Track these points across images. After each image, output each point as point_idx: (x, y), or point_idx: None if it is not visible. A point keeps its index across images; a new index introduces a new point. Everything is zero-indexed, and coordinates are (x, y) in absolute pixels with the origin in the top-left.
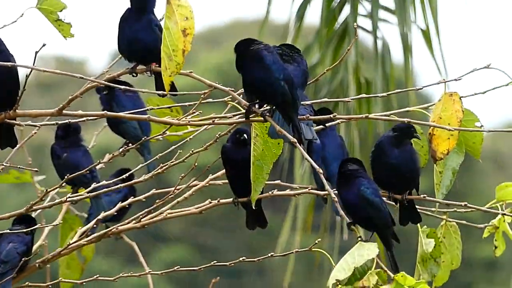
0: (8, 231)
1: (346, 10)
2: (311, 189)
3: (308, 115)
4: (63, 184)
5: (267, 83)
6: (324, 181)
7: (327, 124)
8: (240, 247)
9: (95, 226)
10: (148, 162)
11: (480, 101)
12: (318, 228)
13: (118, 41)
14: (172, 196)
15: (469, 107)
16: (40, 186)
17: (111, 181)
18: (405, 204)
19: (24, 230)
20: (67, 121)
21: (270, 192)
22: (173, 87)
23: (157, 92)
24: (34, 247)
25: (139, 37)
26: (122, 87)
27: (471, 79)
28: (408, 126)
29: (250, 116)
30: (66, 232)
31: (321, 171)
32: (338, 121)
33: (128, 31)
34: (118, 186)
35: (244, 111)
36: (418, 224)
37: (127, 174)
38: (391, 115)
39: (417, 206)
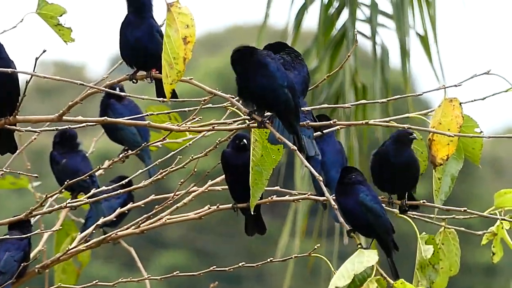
0: (7, 236)
1: (345, 14)
2: (311, 195)
3: (308, 121)
4: (62, 190)
5: (271, 89)
6: (324, 188)
7: (325, 131)
8: (239, 252)
9: (93, 231)
10: (148, 167)
11: (479, 106)
12: (317, 233)
13: (120, 47)
14: (171, 201)
15: (469, 112)
16: (37, 192)
17: (110, 187)
18: (406, 209)
19: (20, 237)
20: (66, 127)
21: (269, 198)
22: (173, 94)
23: (158, 99)
24: (34, 253)
25: (141, 43)
26: (123, 93)
27: (470, 85)
28: (404, 134)
29: (250, 122)
30: (62, 237)
31: (320, 178)
32: (337, 127)
33: (130, 36)
34: (117, 192)
35: (244, 117)
36: (417, 231)
37: (126, 180)
38: (391, 121)
39: (416, 213)
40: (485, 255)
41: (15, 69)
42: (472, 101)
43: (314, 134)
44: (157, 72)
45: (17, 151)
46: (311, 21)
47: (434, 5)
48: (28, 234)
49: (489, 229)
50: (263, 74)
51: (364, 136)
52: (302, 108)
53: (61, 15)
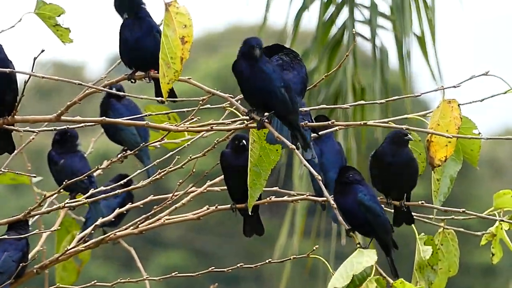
0: (5, 236)
1: (344, 15)
2: (309, 195)
3: (306, 122)
4: (60, 190)
5: (267, 91)
6: (323, 187)
7: (322, 132)
8: (237, 252)
9: (92, 231)
10: (147, 167)
11: (478, 107)
12: (315, 234)
13: (119, 47)
14: (170, 202)
15: (467, 113)
16: (37, 188)
17: (109, 187)
18: (404, 210)
19: (18, 237)
20: (65, 127)
21: (268, 198)
22: (172, 93)
23: (156, 98)
24: (32, 253)
25: (141, 43)
26: (122, 93)
27: (469, 86)
28: (399, 135)
29: (249, 122)
30: (63, 234)
31: (319, 177)
32: (336, 127)
33: (130, 37)
34: (116, 192)
35: (242, 117)
36: (416, 232)
37: (125, 180)
38: (389, 122)
39: (414, 213)
40: (484, 255)
41: (14, 69)
42: (470, 102)
43: (311, 135)
44: (156, 72)
45: (15, 151)
46: (310, 21)
47: (433, 8)
48: (27, 234)
49: (488, 230)
50: (259, 76)
51: (362, 137)
52: (300, 109)
53: (59, 15)
